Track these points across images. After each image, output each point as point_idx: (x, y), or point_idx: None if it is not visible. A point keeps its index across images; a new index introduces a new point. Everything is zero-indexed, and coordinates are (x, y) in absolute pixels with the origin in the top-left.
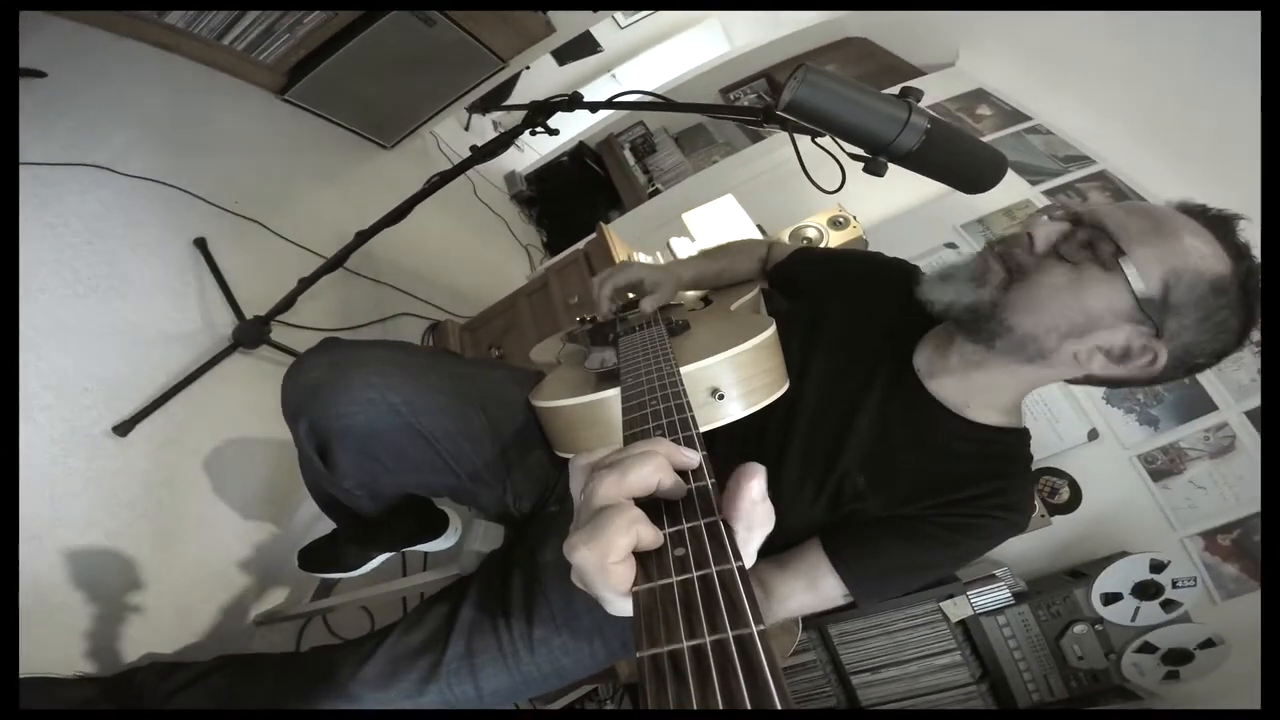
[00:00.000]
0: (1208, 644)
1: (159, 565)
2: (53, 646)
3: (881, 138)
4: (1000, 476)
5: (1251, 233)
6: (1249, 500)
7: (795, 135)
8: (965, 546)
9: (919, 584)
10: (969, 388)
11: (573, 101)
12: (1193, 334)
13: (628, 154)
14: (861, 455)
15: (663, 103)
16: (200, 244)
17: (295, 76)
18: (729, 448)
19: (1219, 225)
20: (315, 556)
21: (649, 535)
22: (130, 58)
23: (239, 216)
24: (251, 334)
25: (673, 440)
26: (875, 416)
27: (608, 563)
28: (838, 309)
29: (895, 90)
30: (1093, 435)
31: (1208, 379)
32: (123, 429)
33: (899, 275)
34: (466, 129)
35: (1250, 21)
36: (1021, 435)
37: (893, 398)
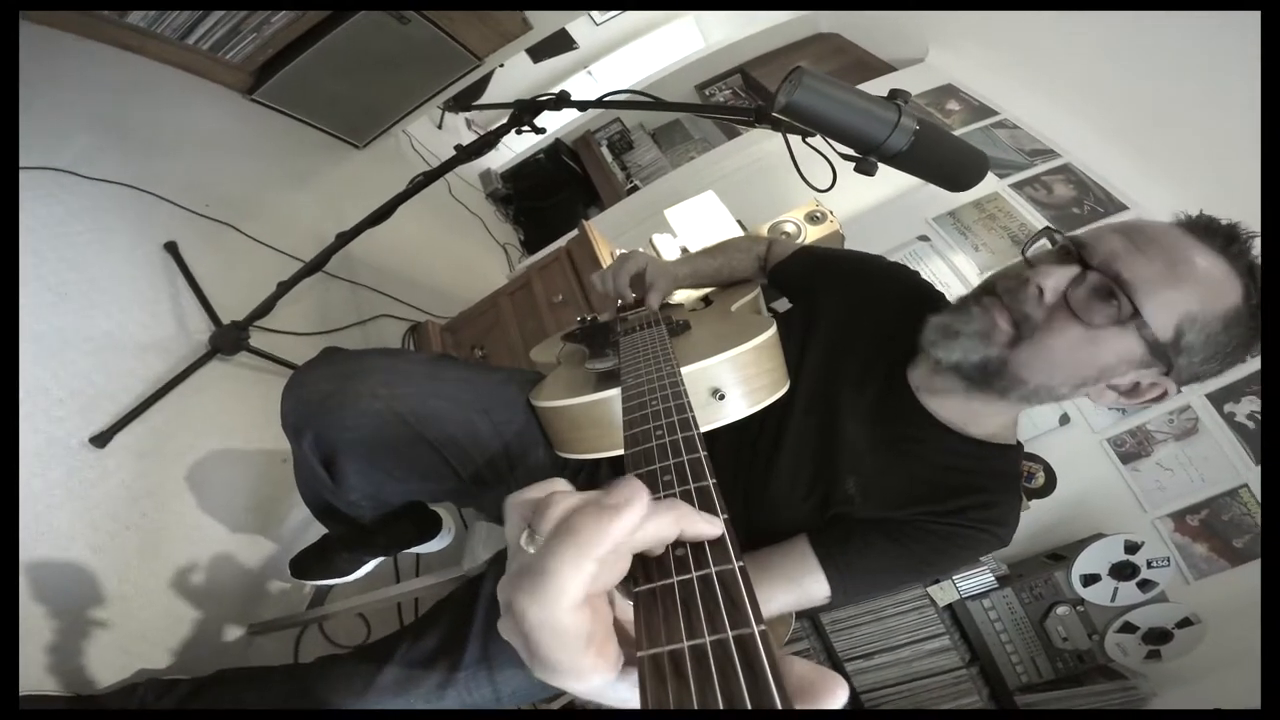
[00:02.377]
0: (1185, 623)
1: (146, 578)
2: (39, 664)
3: (873, 139)
4: (991, 491)
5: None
6: (1214, 481)
7: (787, 135)
8: (951, 556)
9: (900, 587)
10: (966, 409)
11: (559, 100)
12: (1200, 367)
13: (605, 151)
14: (852, 461)
15: (652, 102)
16: (171, 248)
17: (263, 76)
18: (727, 447)
19: (1230, 246)
20: (307, 564)
21: (622, 565)
22: (92, 59)
23: (210, 219)
24: (229, 340)
25: (672, 441)
26: (866, 423)
27: (557, 612)
28: (835, 311)
29: (884, 91)
30: (1064, 420)
31: None
32: (101, 440)
33: (899, 281)
34: (440, 127)
35: (1217, 20)
36: (1015, 451)
37: (885, 406)
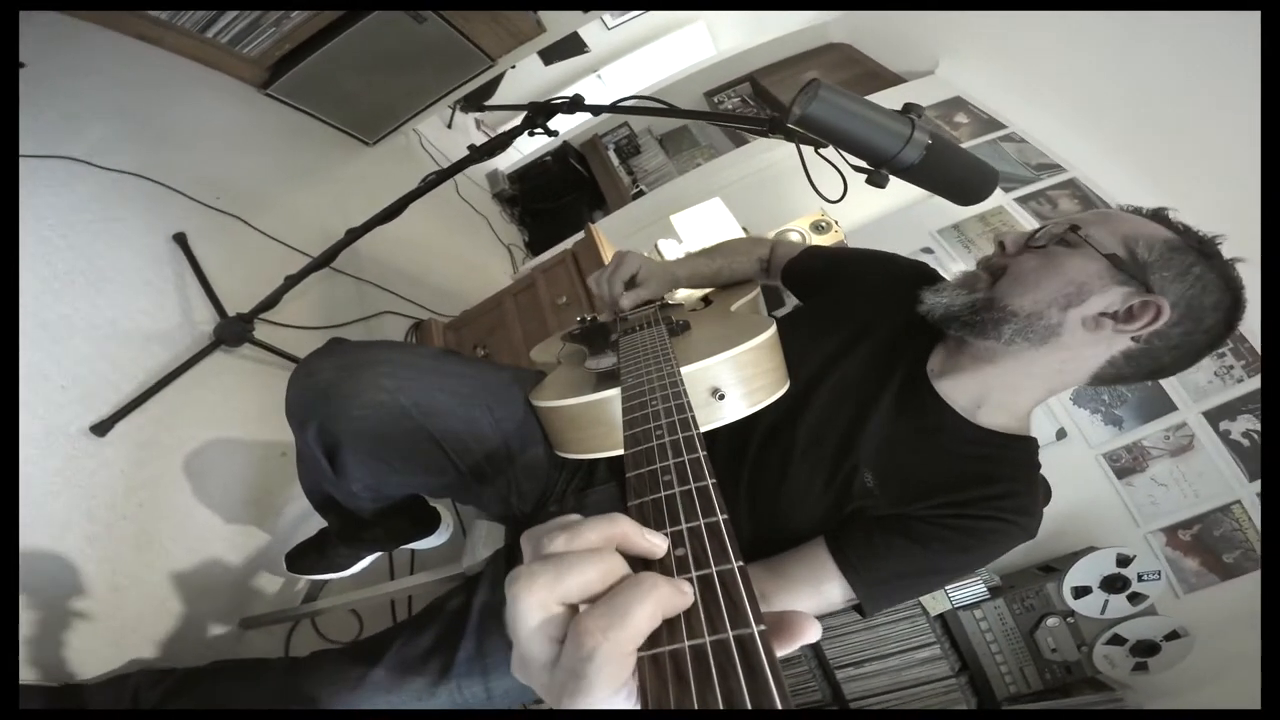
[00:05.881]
0: (1173, 636)
1: (141, 568)
2: (31, 652)
3: (885, 152)
4: (1009, 480)
5: (1231, 248)
6: (1208, 497)
7: (799, 146)
8: (976, 552)
9: (926, 590)
10: (982, 386)
11: (574, 104)
12: (1179, 286)
13: (612, 155)
14: (871, 453)
15: (666, 108)
16: (180, 239)
17: (279, 71)
18: (733, 447)
19: (1154, 214)
20: (304, 558)
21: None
22: (111, 50)
23: (219, 212)
24: (234, 332)
25: (672, 441)
26: (885, 415)
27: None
28: (851, 308)
29: (895, 102)
30: (1061, 434)
31: (1168, 381)
32: (101, 428)
33: (912, 275)
34: (449, 127)
35: (1225, 35)
36: (1030, 443)
37: (904, 397)
